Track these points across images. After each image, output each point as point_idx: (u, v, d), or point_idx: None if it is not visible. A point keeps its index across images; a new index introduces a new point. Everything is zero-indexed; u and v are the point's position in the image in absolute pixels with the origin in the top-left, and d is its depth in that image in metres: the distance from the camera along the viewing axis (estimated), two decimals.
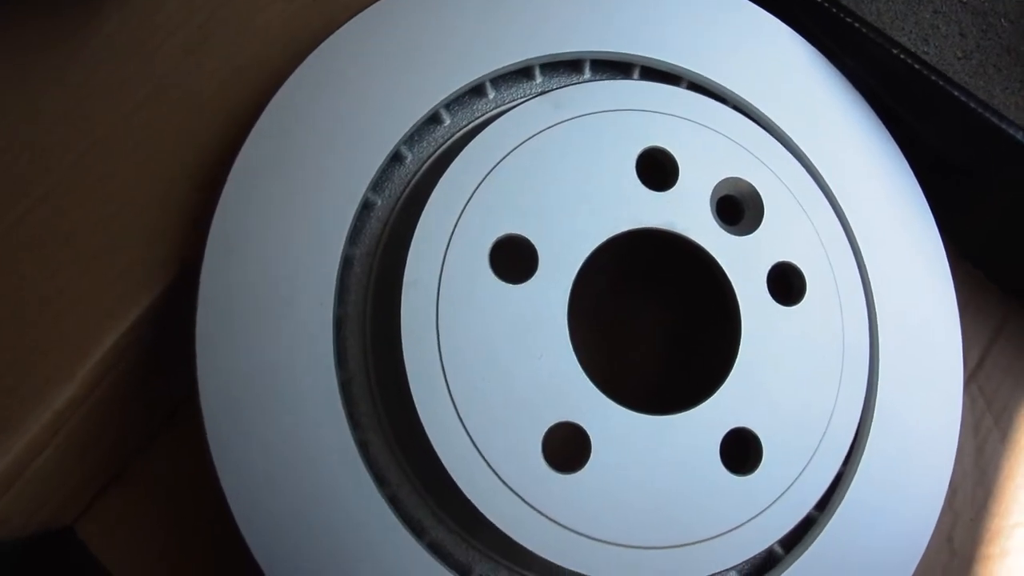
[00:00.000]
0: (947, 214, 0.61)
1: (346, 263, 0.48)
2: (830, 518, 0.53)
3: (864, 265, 0.56)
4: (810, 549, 0.52)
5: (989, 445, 0.64)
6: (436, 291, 0.44)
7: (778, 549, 0.53)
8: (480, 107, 0.53)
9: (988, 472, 0.63)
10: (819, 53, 0.60)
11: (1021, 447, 0.64)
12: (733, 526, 0.48)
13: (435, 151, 0.51)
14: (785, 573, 0.52)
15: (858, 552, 0.54)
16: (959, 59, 0.76)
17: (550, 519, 0.44)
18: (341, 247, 0.48)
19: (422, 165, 0.51)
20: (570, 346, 0.46)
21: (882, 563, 0.55)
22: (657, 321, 0.60)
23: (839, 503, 0.53)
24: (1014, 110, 0.75)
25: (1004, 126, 0.58)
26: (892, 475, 0.55)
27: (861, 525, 0.54)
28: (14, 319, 0.47)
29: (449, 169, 0.46)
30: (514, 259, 0.46)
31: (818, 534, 0.53)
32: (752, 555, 0.49)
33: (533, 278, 0.46)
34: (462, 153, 0.47)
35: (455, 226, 0.46)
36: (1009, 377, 0.65)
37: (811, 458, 0.50)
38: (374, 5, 0.52)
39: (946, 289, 0.60)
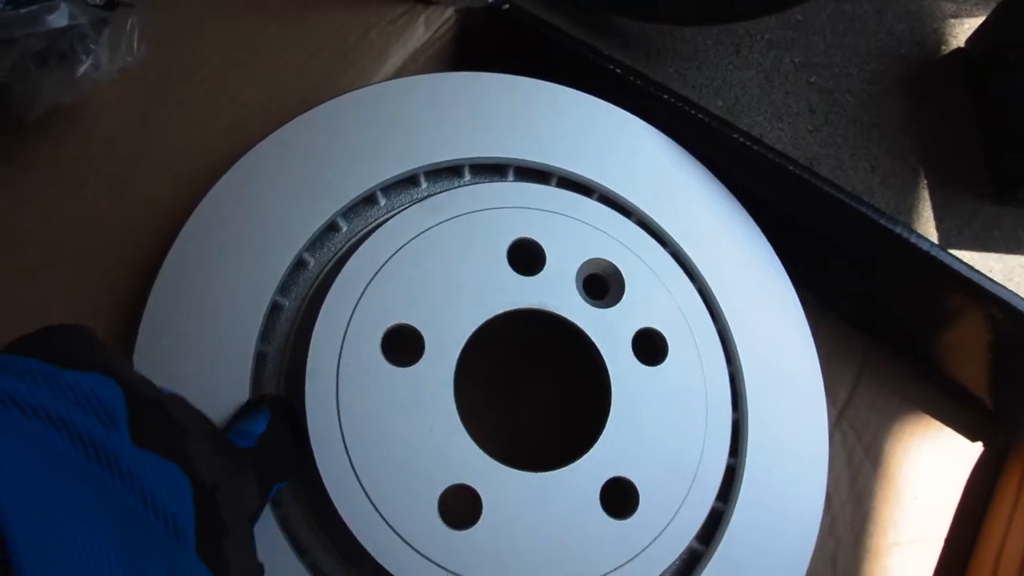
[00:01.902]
0: (804, 269, 0.70)
1: (259, 359, 0.55)
2: (715, 551, 0.59)
3: (726, 323, 0.64)
4: None
5: (862, 474, 0.71)
6: (335, 378, 0.51)
7: None
8: (373, 214, 0.60)
9: (864, 499, 0.70)
10: (674, 142, 0.68)
11: (891, 473, 0.71)
12: (618, 564, 0.54)
13: (334, 256, 0.58)
14: None
15: None
16: (810, 132, 0.85)
17: (449, 571, 0.50)
18: (254, 345, 0.54)
19: (323, 269, 0.58)
20: (457, 417, 0.52)
21: None
22: (541, 389, 0.67)
23: (722, 536, 0.60)
24: (862, 172, 0.84)
25: (835, 193, 0.67)
26: (769, 506, 0.62)
27: (746, 554, 0.60)
28: None
29: (342, 270, 0.54)
30: (404, 345, 0.53)
31: (705, 566, 0.59)
32: None
33: (421, 360, 0.53)
34: (353, 256, 0.54)
35: (350, 319, 0.52)
36: (875, 411, 0.73)
37: (684, 498, 0.56)
38: (277, 131, 0.60)
39: (804, 336, 0.67)
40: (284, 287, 0.57)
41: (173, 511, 0.31)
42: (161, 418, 0.35)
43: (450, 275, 0.55)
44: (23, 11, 0.51)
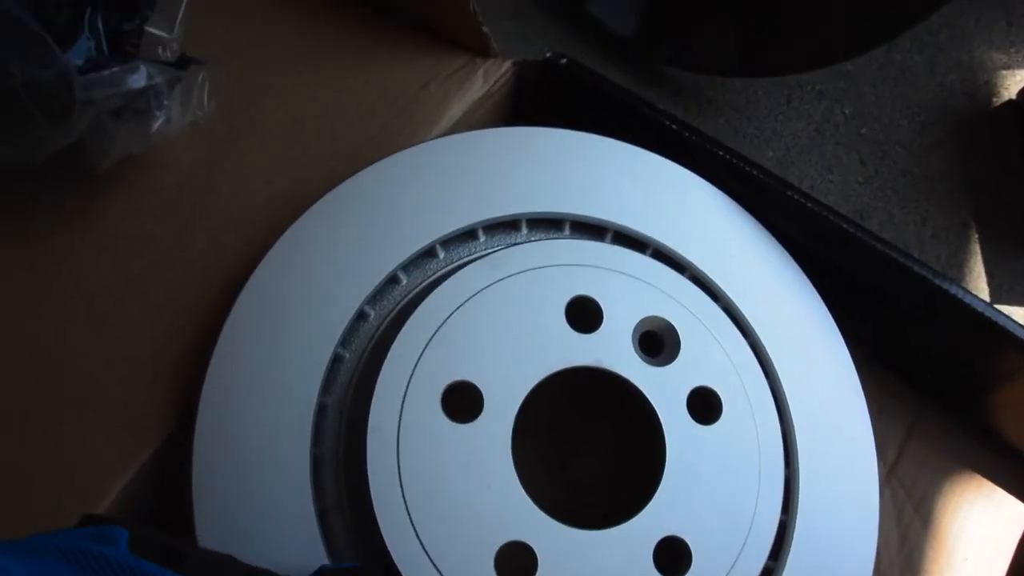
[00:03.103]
0: (855, 324, 0.70)
1: (320, 410, 0.56)
2: None
3: (778, 380, 0.64)
4: None
5: (912, 532, 0.70)
6: (396, 434, 0.52)
7: None
8: (432, 267, 0.61)
9: (913, 558, 0.69)
10: (727, 196, 0.69)
11: (941, 532, 0.71)
12: None
13: (394, 308, 0.59)
14: None
15: None
16: (860, 184, 0.85)
17: None
18: (316, 396, 0.56)
19: (383, 321, 0.59)
20: (515, 475, 0.53)
21: None
22: (595, 446, 0.67)
23: None
24: (912, 226, 0.84)
25: (887, 250, 0.67)
26: (819, 563, 0.62)
27: None
28: (18, 479, 0.54)
29: (404, 327, 0.55)
30: (463, 401, 0.54)
31: None
32: None
33: (480, 417, 0.53)
34: (415, 312, 0.55)
35: (411, 376, 0.53)
36: (926, 468, 0.72)
37: (737, 558, 0.57)
38: (338, 186, 0.62)
39: (855, 393, 0.67)
40: (345, 339, 0.58)
41: None
42: None
43: (509, 332, 0.56)
44: (105, 73, 0.53)
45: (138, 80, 0.54)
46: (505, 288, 0.57)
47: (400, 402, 0.53)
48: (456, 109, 0.70)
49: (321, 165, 0.65)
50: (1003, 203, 0.88)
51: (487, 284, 0.57)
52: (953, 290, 0.67)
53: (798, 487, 0.62)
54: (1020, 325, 0.67)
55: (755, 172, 0.69)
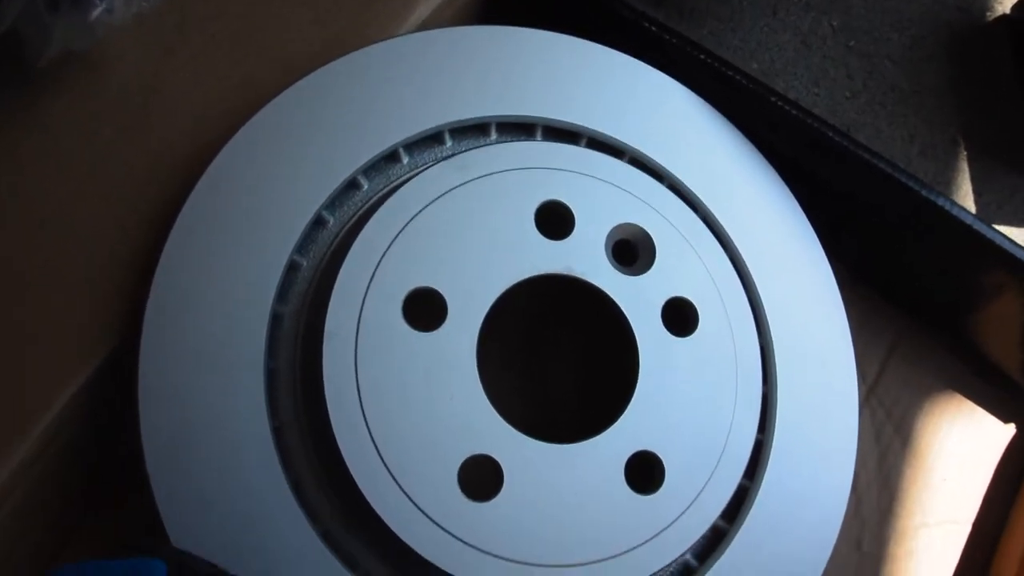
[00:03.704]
0: (839, 240, 0.67)
1: (275, 320, 0.53)
2: (739, 529, 0.58)
3: (757, 294, 0.62)
4: (722, 559, 0.57)
5: (891, 453, 0.69)
6: (354, 341, 0.49)
7: (692, 561, 0.57)
8: (395, 172, 0.58)
9: (891, 478, 0.68)
10: (707, 103, 0.66)
11: (921, 452, 0.69)
12: (642, 541, 0.52)
13: (354, 214, 0.56)
14: None
15: (768, 559, 0.58)
16: (847, 98, 0.82)
17: (468, 544, 0.48)
18: (270, 305, 0.53)
19: (343, 228, 0.55)
20: (480, 386, 0.50)
21: (792, 568, 0.60)
22: (566, 357, 0.65)
23: (747, 514, 0.58)
24: (899, 142, 0.81)
25: (873, 160, 0.64)
26: (795, 485, 0.60)
27: (769, 533, 0.58)
28: None
29: (363, 230, 0.51)
30: (426, 309, 0.51)
31: (728, 544, 0.57)
32: (662, 566, 0.53)
33: (443, 326, 0.51)
34: (375, 215, 0.52)
35: (370, 281, 0.50)
36: (907, 388, 0.71)
37: (712, 474, 0.55)
38: (295, 83, 0.58)
39: (837, 309, 0.65)
40: (302, 246, 0.54)
41: None
42: None
43: (475, 237, 0.53)
44: None
45: None
46: (471, 191, 0.54)
47: (359, 308, 0.50)
48: (425, 7, 0.66)
49: (279, 62, 0.61)
50: (993, 120, 0.85)
51: (453, 186, 0.54)
52: (941, 202, 0.64)
53: (776, 404, 0.60)
54: (1008, 239, 0.65)
55: (738, 77, 0.66)
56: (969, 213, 0.65)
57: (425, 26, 0.66)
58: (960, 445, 0.70)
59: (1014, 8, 0.91)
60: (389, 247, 0.51)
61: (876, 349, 0.71)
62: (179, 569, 0.36)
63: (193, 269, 0.52)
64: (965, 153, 0.83)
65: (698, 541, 0.56)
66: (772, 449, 0.59)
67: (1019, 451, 0.71)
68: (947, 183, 0.82)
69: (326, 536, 0.50)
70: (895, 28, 0.87)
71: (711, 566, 0.57)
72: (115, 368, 0.53)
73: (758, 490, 0.59)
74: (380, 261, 0.51)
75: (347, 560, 0.50)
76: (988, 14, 0.90)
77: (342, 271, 0.50)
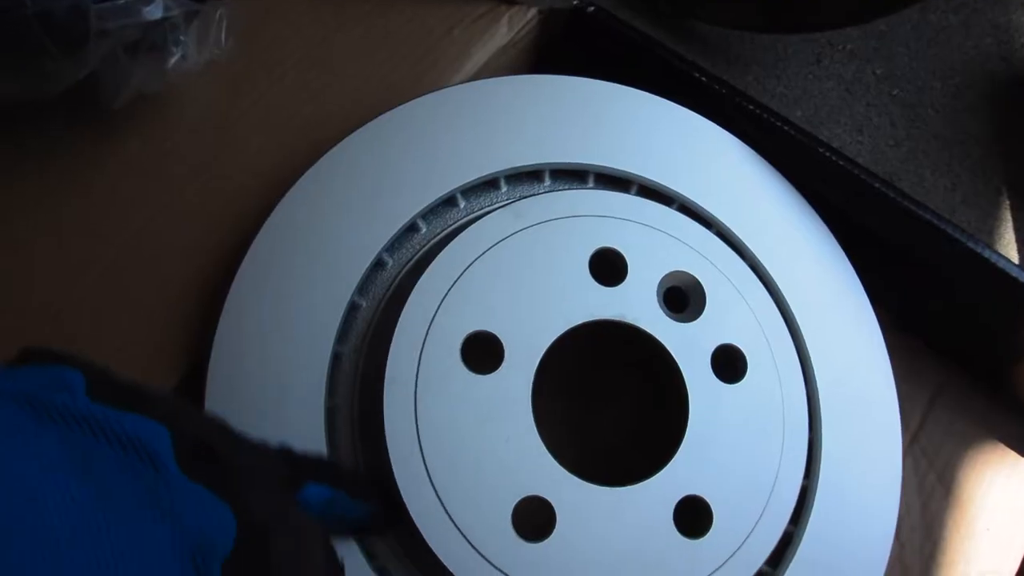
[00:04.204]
0: (883, 287, 0.68)
1: (335, 359, 0.55)
2: (783, 574, 0.58)
3: (803, 341, 0.62)
4: None
5: (934, 501, 0.69)
6: (414, 384, 0.51)
7: None
8: (453, 216, 0.60)
9: (934, 527, 0.68)
10: (755, 153, 0.67)
11: (964, 501, 0.69)
12: None
13: (413, 256, 0.58)
14: None
15: None
16: (891, 147, 0.83)
17: None
18: (331, 345, 0.54)
19: (402, 269, 0.57)
20: (534, 428, 0.51)
21: None
22: (618, 402, 0.66)
23: (791, 560, 0.59)
24: (942, 191, 0.82)
25: (917, 210, 0.65)
26: (839, 531, 0.60)
27: None
28: None
29: (423, 275, 0.53)
30: (483, 352, 0.53)
31: None
32: None
33: (500, 369, 0.52)
34: (435, 260, 0.53)
35: (430, 326, 0.52)
36: (950, 436, 0.71)
37: (758, 520, 0.55)
38: (358, 130, 0.60)
39: (881, 357, 0.66)
40: (362, 287, 0.56)
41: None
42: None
43: (531, 283, 0.54)
44: (120, 3, 0.51)
45: (154, 12, 0.52)
46: (527, 237, 0.55)
47: (418, 353, 0.51)
48: (479, 57, 0.68)
49: (341, 109, 0.63)
50: None
51: (509, 233, 0.55)
52: (983, 251, 0.65)
53: (821, 451, 0.61)
54: None
55: (785, 127, 0.67)
56: (1012, 263, 0.65)
57: (480, 75, 0.68)
58: (1003, 495, 0.70)
59: None
60: (447, 293, 0.53)
61: (919, 397, 0.71)
62: (97, 381, 0.33)
63: (259, 307, 0.55)
64: (1008, 203, 0.83)
65: None
66: (817, 495, 0.60)
67: None
68: (990, 232, 0.82)
69: (382, 572, 0.52)
70: (938, 77, 0.88)
71: None
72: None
73: (802, 536, 0.59)
74: (439, 306, 0.52)
75: None
76: None
77: (403, 316, 0.52)
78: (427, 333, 0.52)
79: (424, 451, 0.50)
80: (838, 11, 0.85)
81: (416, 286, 0.53)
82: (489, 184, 0.61)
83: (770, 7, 0.86)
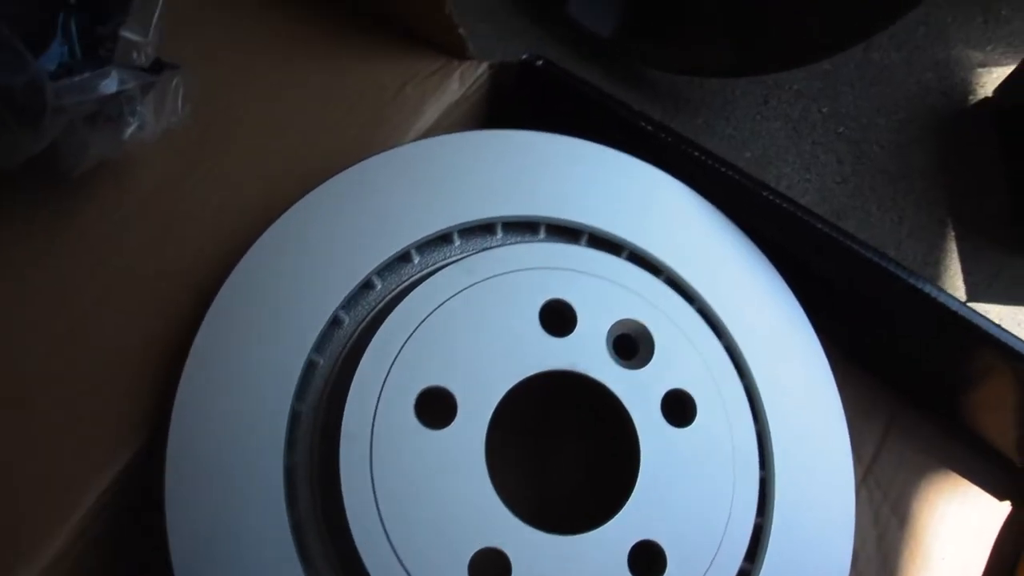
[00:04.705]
0: (831, 324, 0.70)
1: (294, 418, 0.56)
2: None
3: (753, 381, 0.64)
4: None
5: (889, 532, 0.70)
6: (369, 440, 0.52)
7: None
8: (407, 271, 0.61)
9: (890, 557, 0.70)
10: (702, 198, 0.69)
11: (918, 532, 0.71)
12: None
13: (369, 313, 0.59)
14: None
15: None
16: (837, 183, 0.85)
17: None
18: (289, 403, 0.56)
19: (358, 326, 0.59)
20: (489, 481, 0.53)
21: None
22: (571, 450, 0.67)
23: None
24: (889, 224, 0.85)
25: (861, 250, 0.67)
26: (795, 567, 0.62)
27: None
28: None
29: (377, 332, 0.55)
30: (437, 407, 0.54)
31: None
32: None
33: (454, 423, 0.53)
34: (388, 318, 0.55)
35: (384, 382, 0.53)
36: (902, 468, 0.73)
37: (712, 560, 0.57)
38: (312, 191, 0.61)
39: (831, 393, 0.67)
40: (319, 345, 0.58)
41: None
42: None
43: (483, 337, 0.56)
44: (76, 79, 0.53)
45: (110, 86, 0.54)
46: (478, 292, 0.57)
47: (373, 408, 0.53)
48: (432, 111, 0.70)
49: (296, 170, 0.65)
50: (979, 201, 0.88)
51: (460, 288, 0.57)
52: (927, 289, 0.67)
53: (774, 488, 0.62)
54: (993, 323, 0.67)
55: (730, 173, 0.69)
56: (954, 299, 0.68)
57: (433, 130, 0.70)
58: (957, 524, 0.71)
59: (996, 91, 0.95)
60: (401, 349, 0.54)
61: (872, 430, 0.73)
62: None
63: (217, 370, 0.56)
64: (953, 234, 0.86)
65: None
66: (771, 532, 0.61)
67: (1015, 528, 0.72)
68: (936, 264, 0.85)
69: None
70: (882, 114, 0.91)
71: None
72: (143, 467, 0.56)
73: (759, 572, 0.60)
74: (393, 363, 0.54)
75: None
76: (971, 97, 0.94)
77: (358, 372, 0.53)
78: (382, 389, 0.53)
79: (380, 506, 0.51)
80: (784, 52, 0.88)
81: (370, 343, 0.54)
82: (443, 239, 0.62)
83: (719, 51, 0.89)
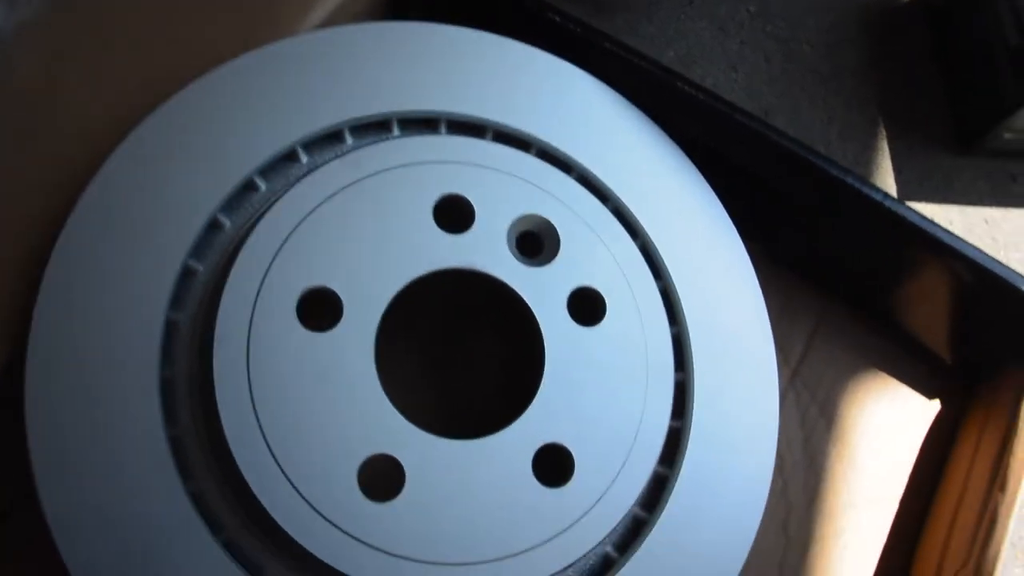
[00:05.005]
0: (756, 223, 0.67)
1: (170, 327, 0.52)
2: (659, 517, 0.57)
3: (671, 281, 0.61)
4: (642, 548, 0.56)
5: (816, 434, 0.69)
6: (246, 345, 0.48)
7: (612, 552, 0.57)
8: (294, 172, 0.56)
9: (817, 459, 0.68)
10: (617, 94, 0.65)
11: (846, 432, 0.69)
12: (553, 534, 0.52)
13: (252, 217, 0.55)
14: (620, 573, 0.56)
15: (691, 545, 0.58)
16: (766, 83, 0.82)
17: (370, 546, 0.47)
18: (163, 311, 0.51)
19: (240, 231, 0.54)
20: (378, 384, 0.49)
21: (715, 554, 0.59)
22: (475, 353, 0.64)
23: (666, 503, 0.58)
24: (819, 124, 0.81)
25: (789, 144, 0.64)
26: (716, 471, 0.59)
27: (691, 520, 0.58)
28: None
29: (254, 230, 0.50)
30: (321, 309, 0.50)
31: (648, 533, 0.57)
32: (575, 559, 0.53)
33: (339, 325, 0.50)
34: (266, 215, 0.51)
35: (262, 283, 0.49)
36: (830, 368, 0.71)
37: (624, 464, 0.54)
38: (191, 84, 0.56)
39: (754, 293, 0.65)
40: (197, 251, 0.53)
41: None
42: None
43: (370, 234, 0.52)
44: None
45: None
46: (367, 187, 0.53)
47: (251, 310, 0.49)
48: (325, 7, 0.65)
49: (175, 65, 0.59)
50: (911, 99, 0.86)
51: (347, 183, 0.53)
52: (854, 182, 0.64)
53: (693, 391, 0.60)
54: (924, 217, 0.65)
55: (647, 66, 0.65)
56: (884, 192, 0.65)
57: (329, 22, 0.65)
58: (885, 423, 0.70)
59: None
60: (281, 247, 0.50)
61: (799, 331, 0.71)
62: None
63: (82, 276, 0.51)
64: (885, 132, 0.83)
65: (617, 532, 0.56)
66: (690, 436, 0.59)
67: (944, 427, 0.71)
68: (867, 162, 0.82)
69: (228, 545, 0.49)
70: (811, 12, 0.87)
71: (631, 556, 0.56)
72: (5, 384, 0.51)
73: (677, 478, 0.58)
74: (272, 262, 0.50)
75: (252, 569, 0.49)
76: None
77: (232, 273, 0.49)
78: (260, 289, 0.49)
79: (259, 415, 0.47)
80: None
81: (247, 242, 0.50)
82: (333, 137, 0.58)
83: None
